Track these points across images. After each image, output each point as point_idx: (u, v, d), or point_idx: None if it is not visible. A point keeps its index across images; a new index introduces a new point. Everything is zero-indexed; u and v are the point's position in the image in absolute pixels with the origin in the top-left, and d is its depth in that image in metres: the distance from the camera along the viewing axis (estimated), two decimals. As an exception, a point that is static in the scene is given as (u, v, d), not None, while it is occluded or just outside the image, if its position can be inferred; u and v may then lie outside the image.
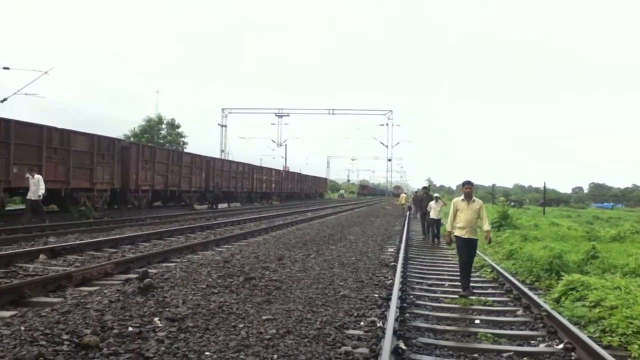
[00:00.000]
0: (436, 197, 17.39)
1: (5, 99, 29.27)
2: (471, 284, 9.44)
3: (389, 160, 66.42)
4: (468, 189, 8.71)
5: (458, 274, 10.64)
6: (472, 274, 10.54)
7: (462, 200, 8.71)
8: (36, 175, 16.27)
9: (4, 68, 29.32)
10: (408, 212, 29.87)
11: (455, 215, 8.74)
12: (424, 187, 22.64)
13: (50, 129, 19.10)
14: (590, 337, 5.74)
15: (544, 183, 44.32)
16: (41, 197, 16.71)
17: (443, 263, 12.13)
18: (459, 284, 9.47)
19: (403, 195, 37.40)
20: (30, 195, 16.36)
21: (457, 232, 8.70)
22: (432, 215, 16.76)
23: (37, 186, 16.25)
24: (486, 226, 8.89)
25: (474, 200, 8.72)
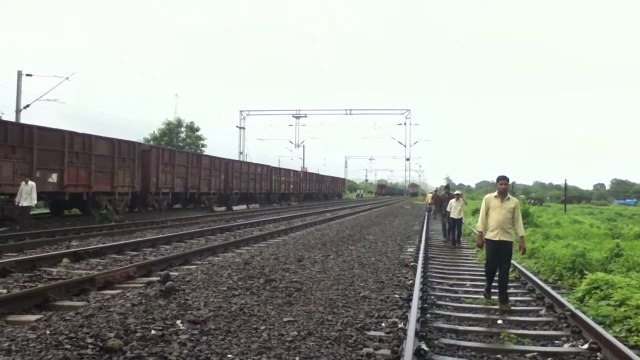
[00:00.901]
0: (457, 194, 16.18)
1: (27, 105, 29.83)
2: (493, 282, 9.35)
3: (407, 159, 66.14)
4: (503, 185, 7.74)
5: (480, 272, 10.57)
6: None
7: (495, 197, 7.77)
8: (30, 182, 15.86)
9: (27, 75, 29.89)
10: (427, 212, 29.65)
11: (486, 215, 7.84)
12: (445, 187, 21.62)
13: (72, 134, 19.41)
14: (616, 337, 5.64)
15: (565, 180, 43.57)
16: (33, 206, 16.31)
17: (464, 263, 12.04)
18: (482, 283, 9.39)
19: (429, 194, 37.17)
20: (22, 202, 15.74)
21: (486, 234, 7.84)
22: (453, 214, 15.65)
23: (30, 194, 15.71)
24: (520, 231, 7.79)
25: (508, 198, 7.75)
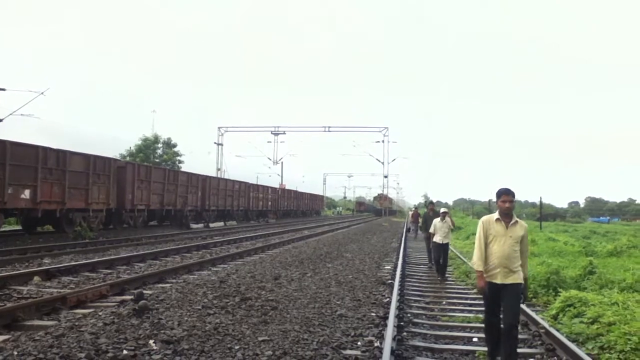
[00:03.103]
0: (443, 212, 12.92)
1: (1, 120, 29.33)
2: (468, 301, 9.35)
3: (385, 177, 66.39)
4: (507, 204, 5.35)
5: (457, 291, 10.60)
6: (467, 292, 10.52)
7: (497, 220, 5.41)
8: None
9: (0, 89, 29.43)
10: (407, 232, 29.14)
11: (486, 245, 5.47)
12: (430, 202, 17.86)
13: (46, 150, 19.09)
14: (588, 354, 5.71)
15: (540, 198, 43.72)
16: None
17: (440, 280, 12.06)
18: (457, 301, 9.42)
19: (410, 212, 36.64)
20: None
21: (486, 274, 5.48)
22: (438, 238, 12.55)
23: None
24: (524, 268, 5.45)
25: (515, 221, 5.38)
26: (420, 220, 23.53)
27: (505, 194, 5.36)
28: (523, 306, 8.00)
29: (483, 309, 5.92)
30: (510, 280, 5.29)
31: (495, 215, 5.48)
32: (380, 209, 68.80)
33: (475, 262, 5.53)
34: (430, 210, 15.70)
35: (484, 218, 5.61)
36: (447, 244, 12.66)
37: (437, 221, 12.79)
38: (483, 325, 5.79)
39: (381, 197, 69.42)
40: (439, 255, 12.51)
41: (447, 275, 12.47)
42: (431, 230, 12.95)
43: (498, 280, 5.33)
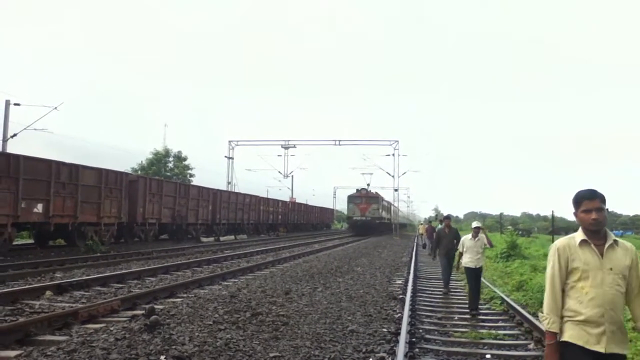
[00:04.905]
0: (476, 228, 10.06)
1: (15, 135, 29.70)
2: (481, 316, 9.27)
3: (396, 190, 66.17)
4: (594, 213, 3.06)
5: (468, 305, 10.46)
6: (480, 307, 10.41)
7: (583, 243, 3.11)
8: None
9: (15, 104, 29.83)
10: (423, 248, 28.20)
11: (566, 284, 3.13)
12: (446, 217, 13.19)
13: (59, 164, 19.26)
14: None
15: (552, 211, 42.61)
16: None
17: (452, 295, 11.97)
18: (469, 316, 9.33)
19: (421, 225, 35.88)
20: None
21: (569, 331, 3.04)
22: (468, 262, 9.94)
23: None
24: None
25: (613, 242, 3.08)
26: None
27: (589, 199, 3.12)
28: (536, 322, 7.87)
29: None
30: (620, 348, 2.98)
31: (579, 235, 3.16)
32: (363, 219, 40.42)
33: (547, 317, 3.11)
34: (445, 226, 12.43)
35: (560, 242, 3.18)
36: (480, 269, 10.02)
37: (466, 239, 10.09)
38: None
39: (364, 197, 40.99)
40: (472, 282, 9.86)
41: (457, 289, 12.32)
42: (461, 248, 10.24)
43: (602, 348, 2.94)
